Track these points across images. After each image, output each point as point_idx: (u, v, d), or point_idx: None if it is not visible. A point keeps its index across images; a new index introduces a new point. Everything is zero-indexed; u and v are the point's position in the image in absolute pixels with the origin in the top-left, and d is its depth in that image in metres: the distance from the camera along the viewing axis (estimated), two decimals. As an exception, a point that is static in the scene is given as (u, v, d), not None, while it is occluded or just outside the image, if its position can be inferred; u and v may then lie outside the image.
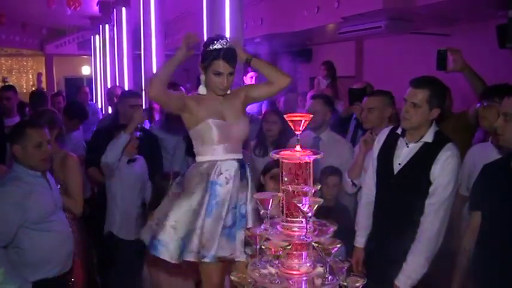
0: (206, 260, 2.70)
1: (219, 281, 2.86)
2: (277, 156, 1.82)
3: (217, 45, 2.80)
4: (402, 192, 2.94)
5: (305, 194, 1.79)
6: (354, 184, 3.73)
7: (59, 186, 3.46)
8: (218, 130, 2.80)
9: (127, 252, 3.87)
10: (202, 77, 2.90)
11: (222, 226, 2.74)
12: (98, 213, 4.14)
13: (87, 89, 9.24)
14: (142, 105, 4.91)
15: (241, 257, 2.75)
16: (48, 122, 3.67)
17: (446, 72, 3.64)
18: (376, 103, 3.73)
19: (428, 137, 2.91)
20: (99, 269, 4.22)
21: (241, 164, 2.87)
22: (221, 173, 2.79)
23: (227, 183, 2.78)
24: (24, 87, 18.70)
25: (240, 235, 2.75)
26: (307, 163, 1.81)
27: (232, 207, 2.78)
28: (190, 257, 2.73)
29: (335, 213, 3.30)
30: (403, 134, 3.01)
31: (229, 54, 2.80)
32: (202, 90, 2.92)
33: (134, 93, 5.18)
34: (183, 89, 5.16)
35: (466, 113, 3.95)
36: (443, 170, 2.81)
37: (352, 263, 3.23)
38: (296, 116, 1.82)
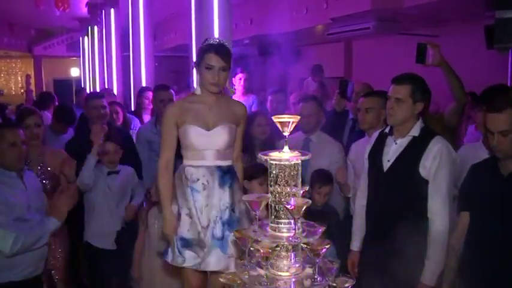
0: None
1: (199, 284, 2.88)
2: (265, 157, 1.81)
3: (210, 42, 2.82)
4: (393, 189, 2.93)
5: (293, 195, 1.79)
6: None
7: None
8: (196, 136, 2.80)
9: (107, 261, 3.85)
10: (199, 78, 2.90)
11: (198, 233, 2.77)
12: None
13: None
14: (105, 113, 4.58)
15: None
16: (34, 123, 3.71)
17: (425, 66, 3.64)
18: (373, 104, 3.70)
19: (415, 131, 2.93)
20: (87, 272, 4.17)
21: (225, 171, 2.86)
22: (198, 179, 2.80)
23: (204, 189, 2.79)
24: (13, 89, 18.58)
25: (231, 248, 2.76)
26: (295, 164, 1.81)
27: (219, 217, 2.79)
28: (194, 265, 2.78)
29: (323, 215, 3.29)
30: (390, 132, 3.03)
31: (222, 49, 2.78)
32: (198, 90, 2.91)
33: (100, 94, 4.94)
34: (172, 91, 5.14)
35: (443, 116, 3.92)
36: (434, 160, 2.81)
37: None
38: (284, 118, 1.81)
